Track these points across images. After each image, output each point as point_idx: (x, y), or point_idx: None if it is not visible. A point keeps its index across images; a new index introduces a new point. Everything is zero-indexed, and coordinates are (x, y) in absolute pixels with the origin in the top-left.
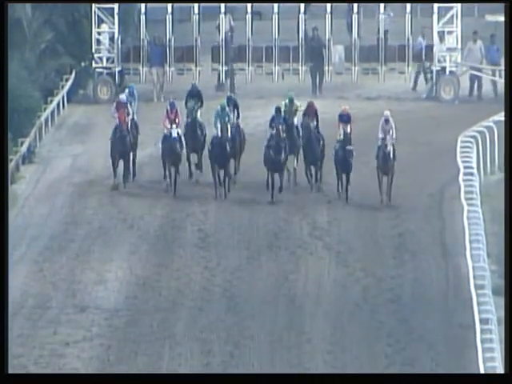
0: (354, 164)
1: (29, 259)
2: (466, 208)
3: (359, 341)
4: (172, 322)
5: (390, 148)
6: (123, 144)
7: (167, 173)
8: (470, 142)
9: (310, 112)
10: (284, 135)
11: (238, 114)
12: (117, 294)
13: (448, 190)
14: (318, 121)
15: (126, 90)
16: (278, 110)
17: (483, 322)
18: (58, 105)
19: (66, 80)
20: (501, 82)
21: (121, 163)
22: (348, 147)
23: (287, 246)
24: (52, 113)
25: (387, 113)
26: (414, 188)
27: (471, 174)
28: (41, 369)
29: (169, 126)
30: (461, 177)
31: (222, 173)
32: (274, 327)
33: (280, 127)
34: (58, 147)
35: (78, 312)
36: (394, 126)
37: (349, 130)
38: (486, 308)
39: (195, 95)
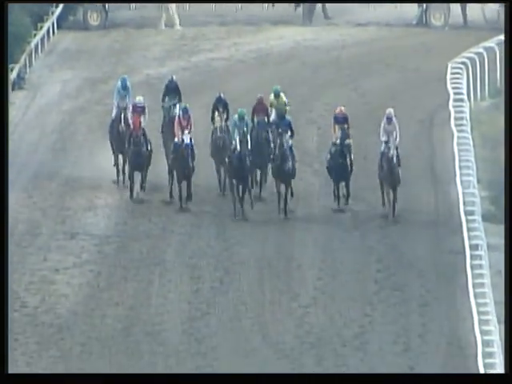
0: None
1: (18, 186)
2: (455, 134)
3: (349, 267)
4: (162, 248)
5: (393, 153)
6: (140, 156)
7: (175, 187)
8: (460, 69)
9: (260, 109)
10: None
11: (228, 115)
12: (107, 220)
13: (438, 116)
14: (268, 118)
15: (119, 83)
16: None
17: (473, 247)
18: (48, 31)
19: (56, 6)
20: (490, 8)
21: (137, 175)
22: (346, 141)
23: None
24: (42, 39)
25: (390, 111)
26: (404, 115)
27: (461, 100)
28: (31, 295)
29: (180, 134)
30: (451, 103)
31: (240, 188)
32: (263, 253)
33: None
34: (48, 73)
35: (68, 238)
36: (397, 127)
37: (346, 128)
38: (476, 234)
39: (173, 91)
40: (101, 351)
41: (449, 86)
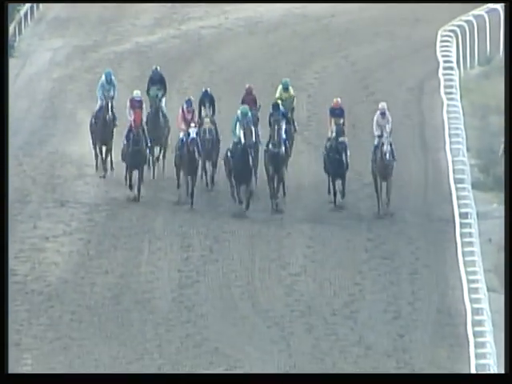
0: None
1: (9, 154)
2: (445, 102)
3: (339, 235)
4: (152, 216)
5: (387, 147)
6: (140, 155)
7: (182, 182)
8: (450, 37)
9: (249, 100)
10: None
11: (214, 110)
12: (96, 188)
13: (427, 84)
14: (257, 109)
15: (103, 77)
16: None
17: (463, 216)
18: None
19: None
20: None
21: (135, 174)
22: (341, 138)
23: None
24: (31, 7)
25: (383, 105)
26: (393, 82)
27: (451, 69)
28: (21, 263)
29: (184, 128)
30: (440, 71)
31: (242, 188)
32: (253, 223)
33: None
34: (37, 41)
35: (58, 206)
36: (390, 120)
37: (341, 124)
38: (466, 202)
39: (157, 81)
40: (90, 319)
41: (438, 54)
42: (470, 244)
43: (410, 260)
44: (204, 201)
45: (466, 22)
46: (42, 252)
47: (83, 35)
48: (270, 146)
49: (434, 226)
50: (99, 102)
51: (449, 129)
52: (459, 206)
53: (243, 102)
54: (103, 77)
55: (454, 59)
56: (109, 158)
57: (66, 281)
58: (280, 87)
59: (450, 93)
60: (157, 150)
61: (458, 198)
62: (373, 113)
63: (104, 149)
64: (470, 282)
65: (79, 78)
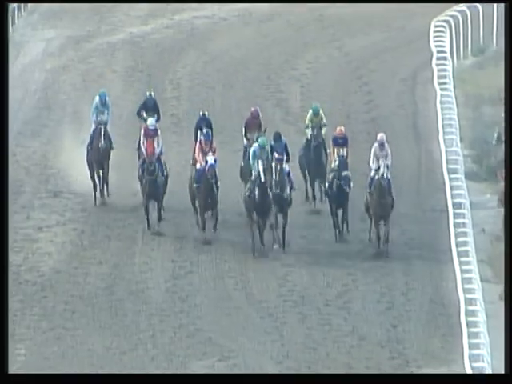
0: None
1: (8, 148)
2: (438, 92)
3: (331, 230)
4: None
5: (385, 181)
6: (155, 185)
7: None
8: (444, 27)
9: (253, 124)
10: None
11: (212, 134)
12: (90, 179)
13: (421, 74)
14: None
15: (97, 99)
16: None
17: (456, 206)
18: None
19: None
20: None
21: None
22: (344, 173)
23: None
24: None
25: (382, 136)
26: (387, 73)
27: (444, 59)
28: (14, 254)
29: (201, 159)
30: (434, 61)
31: (261, 223)
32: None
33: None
34: (30, 32)
35: (51, 197)
36: (389, 152)
37: (345, 154)
38: (459, 192)
39: (151, 109)
40: (84, 309)
41: (432, 45)
42: (464, 234)
43: (404, 250)
44: None
45: (460, 12)
46: (35, 242)
47: (76, 26)
48: (274, 186)
49: (427, 217)
50: (93, 126)
51: (442, 119)
52: (452, 196)
53: (247, 126)
54: (97, 98)
55: (447, 49)
56: (104, 183)
57: (59, 271)
58: (310, 112)
59: (444, 83)
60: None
61: (452, 188)
62: (366, 104)
63: (101, 173)
64: (463, 272)
65: (73, 68)
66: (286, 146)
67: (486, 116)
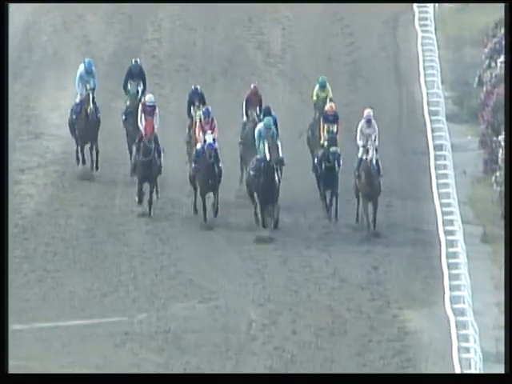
0: None
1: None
2: (420, 34)
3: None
4: (125, 148)
5: (372, 158)
6: (151, 166)
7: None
8: None
9: (254, 101)
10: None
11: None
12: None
13: (402, 16)
14: (261, 110)
15: (81, 67)
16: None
17: (437, 148)
18: None
19: None
20: None
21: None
22: (332, 148)
23: (242, 74)
24: None
25: (369, 112)
26: (368, 15)
27: (426, 1)
28: None
29: (201, 137)
30: (415, 4)
31: (268, 208)
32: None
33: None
34: None
35: (33, 139)
36: (377, 129)
37: (335, 131)
38: (440, 134)
39: (137, 76)
40: (65, 251)
41: None
42: (445, 176)
43: (384, 192)
44: (177, 130)
45: None
46: (17, 184)
47: None
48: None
49: (408, 159)
50: (78, 96)
51: (423, 61)
52: (433, 138)
53: (247, 102)
54: (82, 66)
55: None
56: (95, 158)
57: (40, 213)
58: (317, 86)
59: (425, 25)
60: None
61: (433, 130)
62: (348, 46)
63: (88, 147)
64: (444, 214)
65: (53, 9)
66: (275, 121)
67: (468, 57)
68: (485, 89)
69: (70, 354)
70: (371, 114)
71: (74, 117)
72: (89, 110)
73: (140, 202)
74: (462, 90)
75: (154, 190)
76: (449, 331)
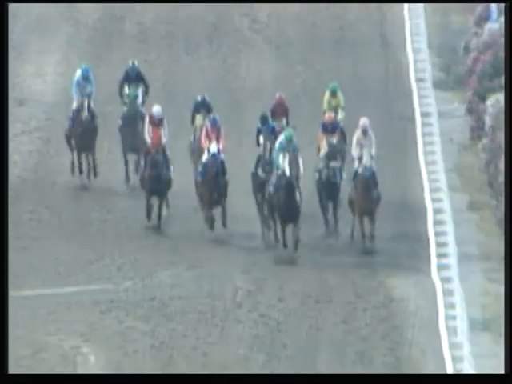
0: None
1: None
2: None
3: (299, 134)
4: (110, 115)
5: (369, 172)
6: (159, 180)
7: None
8: None
9: (280, 111)
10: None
11: None
12: (55, 86)
13: None
14: (288, 123)
15: (78, 73)
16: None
17: (424, 115)
18: None
19: None
20: None
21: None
22: (333, 163)
23: (228, 41)
24: None
25: (366, 121)
26: None
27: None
28: None
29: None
30: None
31: (289, 228)
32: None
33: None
34: None
35: (17, 106)
36: (374, 139)
37: (335, 142)
38: (427, 101)
39: (134, 79)
40: (50, 219)
41: None
42: (431, 143)
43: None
44: (162, 97)
45: None
46: None
47: None
48: (260, 170)
49: (395, 126)
50: (74, 103)
51: (410, 27)
52: (420, 105)
53: (272, 114)
54: (79, 72)
55: None
56: (92, 168)
57: (25, 180)
58: (327, 93)
59: None
60: (131, 158)
61: (419, 96)
62: (333, 12)
63: (84, 156)
64: (430, 181)
65: None
66: (273, 129)
67: (455, 24)
68: (471, 55)
69: (55, 322)
70: (367, 123)
71: (70, 124)
72: (83, 118)
73: (149, 216)
74: (449, 56)
75: (164, 204)
76: (435, 298)
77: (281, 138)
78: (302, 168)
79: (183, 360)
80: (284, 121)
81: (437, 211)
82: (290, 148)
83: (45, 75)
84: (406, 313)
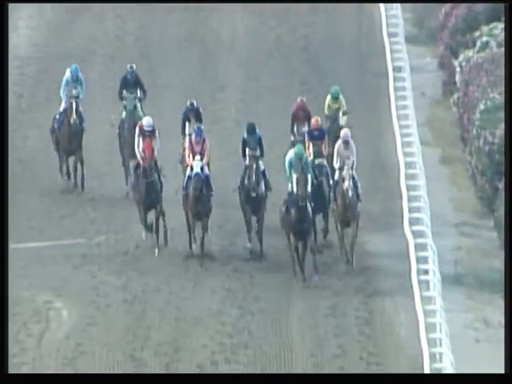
0: None
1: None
2: None
3: (272, 89)
4: (84, 69)
5: (349, 183)
6: (154, 188)
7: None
8: None
9: (301, 116)
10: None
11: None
12: (28, 41)
13: None
14: (309, 126)
15: (67, 74)
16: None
17: (396, 69)
18: None
19: None
20: None
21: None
22: (318, 160)
23: None
24: None
25: (347, 132)
26: None
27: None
28: None
29: (191, 163)
30: None
31: (300, 245)
32: (187, 75)
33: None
34: None
35: None
36: (355, 150)
37: (323, 149)
38: (399, 56)
39: (132, 85)
40: (23, 173)
41: None
42: (404, 98)
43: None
44: (136, 53)
45: None
46: None
47: None
48: (246, 183)
49: (367, 81)
50: (62, 104)
51: None
52: (392, 60)
53: (294, 118)
54: (68, 73)
55: None
56: (80, 172)
57: None
58: (329, 97)
59: None
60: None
61: (392, 51)
62: None
63: (72, 160)
64: (403, 135)
65: None
66: (260, 140)
67: None
68: (443, 10)
69: (28, 277)
70: (349, 134)
71: (56, 126)
72: (72, 121)
73: (147, 229)
74: (421, 11)
75: (161, 217)
76: (408, 253)
77: (290, 154)
78: (309, 188)
79: (156, 314)
80: (306, 126)
81: (409, 166)
82: (300, 166)
83: (18, 30)
84: (379, 267)
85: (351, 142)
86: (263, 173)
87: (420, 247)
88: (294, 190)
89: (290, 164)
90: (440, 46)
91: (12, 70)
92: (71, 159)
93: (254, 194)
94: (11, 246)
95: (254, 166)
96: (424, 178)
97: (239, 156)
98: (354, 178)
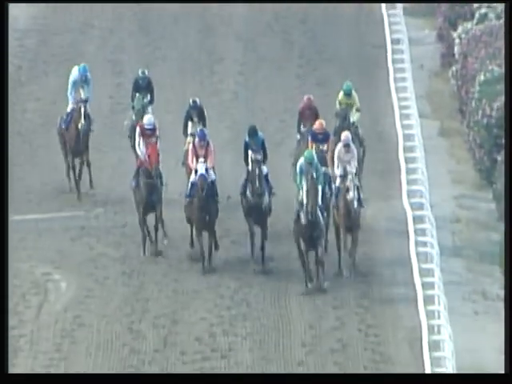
0: None
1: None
2: None
3: (270, 62)
4: (83, 42)
5: (353, 194)
6: (155, 190)
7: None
8: None
9: (308, 115)
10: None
11: (204, 124)
12: (27, 13)
13: None
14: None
15: (75, 72)
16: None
17: (394, 42)
18: None
19: None
20: None
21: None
22: (322, 169)
23: None
24: None
25: (347, 135)
26: None
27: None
28: None
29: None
30: None
31: (311, 254)
32: (185, 47)
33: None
34: None
35: None
36: (356, 154)
37: (324, 151)
38: (397, 28)
39: (143, 89)
40: (21, 146)
41: None
42: (402, 70)
43: (342, 85)
44: (135, 26)
45: None
46: None
47: None
48: (248, 193)
49: (365, 52)
50: (70, 105)
51: None
52: (391, 32)
53: (301, 117)
54: (76, 71)
55: None
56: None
57: None
58: (341, 93)
59: None
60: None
61: (390, 23)
62: None
63: (78, 162)
64: (401, 108)
65: None
66: (263, 142)
67: None
68: None
69: (26, 249)
70: (349, 137)
71: (64, 127)
72: (80, 126)
73: (147, 233)
74: None
75: (160, 224)
76: (406, 225)
77: (301, 160)
78: (320, 200)
79: (154, 286)
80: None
81: (407, 138)
82: (310, 172)
83: (19, 5)
84: (377, 240)
85: (352, 146)
86: (266, 177)
87: (418, 219)
88: (304, 200)
89: (301, 171)
90: (438, 18)
91: (11, 41)
92: (77, 160)
93: (258, 204)
94: (9, 218)
95: (257, 171)
96: (422, 151)
97: (238, 130)
98: (357, 188)
